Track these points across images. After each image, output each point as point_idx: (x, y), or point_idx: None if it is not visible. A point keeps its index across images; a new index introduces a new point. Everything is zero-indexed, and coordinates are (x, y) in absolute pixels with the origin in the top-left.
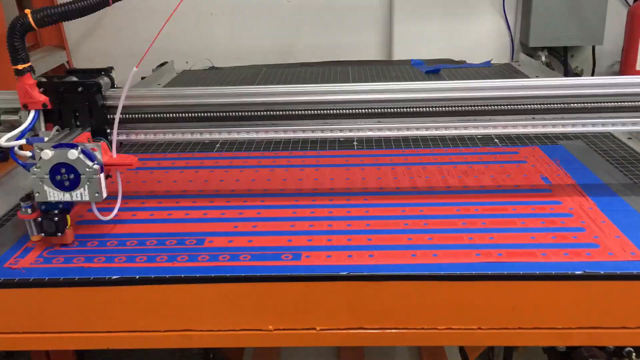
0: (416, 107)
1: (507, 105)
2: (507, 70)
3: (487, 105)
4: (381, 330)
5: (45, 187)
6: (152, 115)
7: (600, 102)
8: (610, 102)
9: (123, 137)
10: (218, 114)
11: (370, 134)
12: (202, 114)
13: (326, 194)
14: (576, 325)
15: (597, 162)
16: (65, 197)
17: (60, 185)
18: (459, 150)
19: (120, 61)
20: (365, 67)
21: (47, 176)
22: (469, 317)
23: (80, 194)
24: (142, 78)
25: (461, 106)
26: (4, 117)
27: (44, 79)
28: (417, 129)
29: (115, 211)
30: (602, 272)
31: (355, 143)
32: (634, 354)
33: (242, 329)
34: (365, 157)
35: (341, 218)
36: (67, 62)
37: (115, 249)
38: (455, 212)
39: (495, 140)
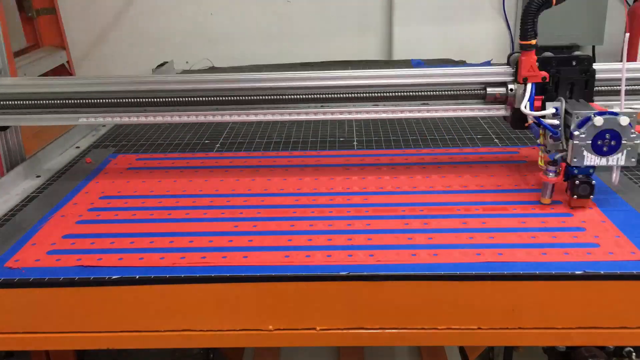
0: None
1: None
2: None
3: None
4: (381, 330)
5: (585, 152)
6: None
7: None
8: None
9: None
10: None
11: (366, 116)
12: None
13: (326, 193)
14: (576, 325)
15: None
16: (602, 161)
17: (600, 151)
18: (459, 150)
19: (120, 61)
20: (365, 66)
21: (590, 142)
22: (469, 317)
23: (617, 159)
24: None
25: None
26: (490, 90)
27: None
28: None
29: (617, 177)
30: (602, 272)
31: (355, 143)
32: (634, 354)
33: (242, 329)
34: (365, 157)
35: (341, 218)
36: (67, 62)
37: (115, 249)
38: (455, 212)
39: (495, 140)
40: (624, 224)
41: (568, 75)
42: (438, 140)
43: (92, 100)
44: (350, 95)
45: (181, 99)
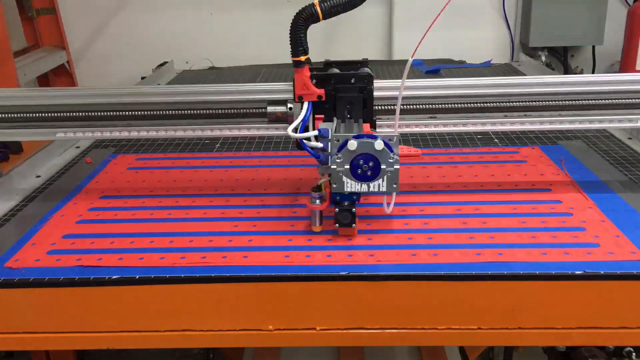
0: (414, 105)
1: (502, 102)
2: (507, 70)
3: (484, 103)
4: (381, 330)
5: (344, 178)
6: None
7: (597, 100)
8: (607, 99)
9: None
10: None
11: None
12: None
13: None
14: (576, 325)
15: (597, 162)
16: (363, 188)
17: (358, 177)
18: (459, 150)
19: (120, 61)
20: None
21: (348, 167)
22: (469, 317)
23: (378, 185)
24: (142, 78)
25: (459, 103)
26: (270, 109)
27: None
28: (417, 125)
29: (392, 204)
30: (602, 272)
31: None
32: (634, 354)
33: (242, 329)
34: None
35: None
36: (67, 62)
37: (115, 249)
38: (456, 211)
39: (495, 140)
40: (624, 224)
41: (345, 93)
42: (438, 140)
43: (70, 114)
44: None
45: (168, 112)
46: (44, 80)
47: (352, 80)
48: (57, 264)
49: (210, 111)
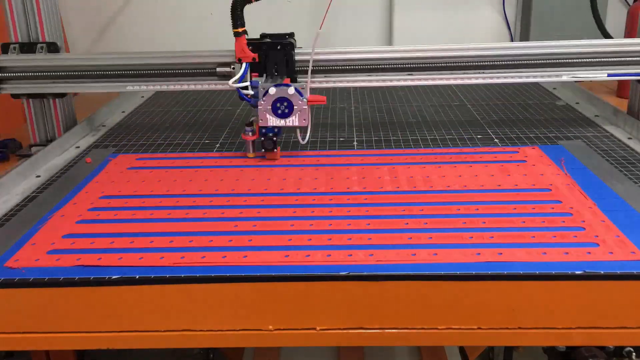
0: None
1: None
2: None
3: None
4: (381, 330)
5: (268, 116)
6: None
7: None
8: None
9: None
10: None
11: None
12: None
13: (326, 193)
14: (576, 325)
15: (597, 162)
16: (281, 122)
17: (278, 114)
18: (459, 150)
19: None
20: None
21: (270, 107)
22: (469, 317)
23: (292, 120)
24: None
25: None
26: (219, 70)
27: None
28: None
29: (307, 136)
30: (602, 272)
31: (355, 143)
32: (634, 354)
33: (242, 329)
34: (365, 157)
35: (341, 218)
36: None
37: (115, 249)
38: (455, 211)
39: (495, 140)
40: (624, 224)
41: (272, 57)
42: (438, 140)
43: (137, 72)
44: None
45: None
46: None
47: (278, 47)
48: (57, 263)
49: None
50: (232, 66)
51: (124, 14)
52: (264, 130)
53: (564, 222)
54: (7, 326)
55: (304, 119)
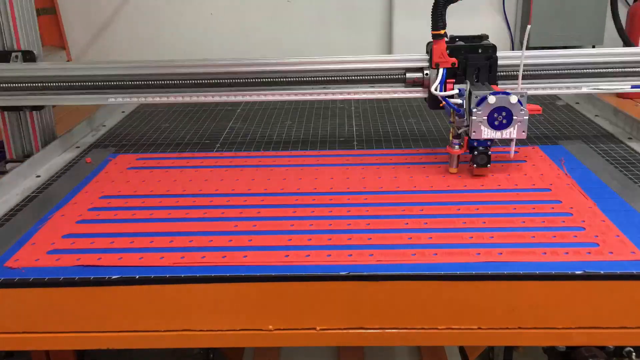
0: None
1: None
2: None
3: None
4: (381, 330)
5: (482, 127)
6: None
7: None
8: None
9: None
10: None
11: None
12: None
13: (326, 193)
14: (576, 325)
15: (597, 162)
16: (497, 135)
17: (494, 125)
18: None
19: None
20: None
21: (486, 118)
22: (469, 317)
23: (510, 132)
24: None
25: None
26: (409, 75)
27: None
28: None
29: (512, 151)
30: (602, 272)
31: (355, 143)
32: (634, 354)
33: (242, 329)
34: (365, 157)
35: (341, 218)
36: (67, 62)
37: (115, 249)
38: (456, 211)
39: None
40: (624, 224)
41: (474, 61)
42: (438, 140)
43: (119, 83)
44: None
45: (194, 82)
46: None
47: (480, 51)
48: (57, 263)
49: (327, 78)
50: (424, 72)
51: (124, 14)
52: (475, 143)
53: (564, 222)
54: (7, 326)
55: (523, 131)
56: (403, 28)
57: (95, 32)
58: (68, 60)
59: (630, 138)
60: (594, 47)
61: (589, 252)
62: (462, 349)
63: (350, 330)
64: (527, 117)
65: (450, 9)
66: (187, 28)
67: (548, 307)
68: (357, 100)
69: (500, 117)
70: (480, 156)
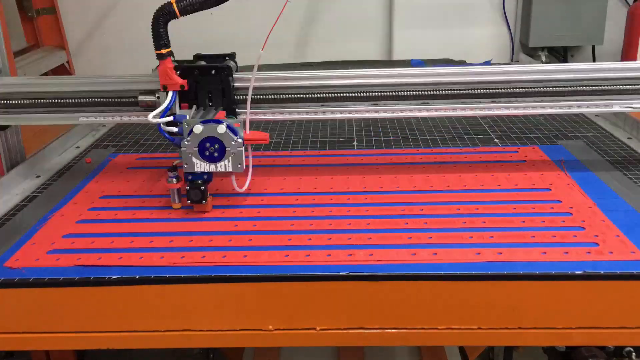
0: (407, 91)
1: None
2: None
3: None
4: (381, 330)
5: (194, 159)
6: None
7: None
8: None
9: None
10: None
11: (366, 115)
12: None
13: (326, 193)
14: (576, 325)
15: (597, 162)
16: (211, 168)
17: (207, 158)
18: (459, 150)
19: (120, 61)
20: (365, 66)
21: (196, 149)
22: (469, 317)
23: (225, 165)
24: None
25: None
26: (141, 98)
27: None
28: (410, 111)
29: (247, 184)
30: (601, 272)
31: (355, 143)
32: (634, 354)
33: (242, 329)
34: (365, 157)
35: (341, 217)
36: (67, 62)
37: (115, 249)
38: (456, 211)
39: (495, 140)
40: (624, 224)
41: (204, 84)
42: (438, 140)
43: (93, 100)
44: (347, 94)
45: None
46: None
47: (213, 72)
48: (57, 263)
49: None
50: (156, 95)
51: (124, 14)
52: (190, 177)
53: (564, 222)
54: (7, 326)
55: (239, 164)
56: (403, 27)
57: (95, 32)
58: (68, 61)
59: (630, 138)
60: (594, 47)
61: (589, 252)
62: (462, 349)
63: (350, 330)
64: (243, 148)
65: (451, 9)
66: (186, 28)
67: (548, 307)
68: None
69: (213, 149)
70: (193, 192)
